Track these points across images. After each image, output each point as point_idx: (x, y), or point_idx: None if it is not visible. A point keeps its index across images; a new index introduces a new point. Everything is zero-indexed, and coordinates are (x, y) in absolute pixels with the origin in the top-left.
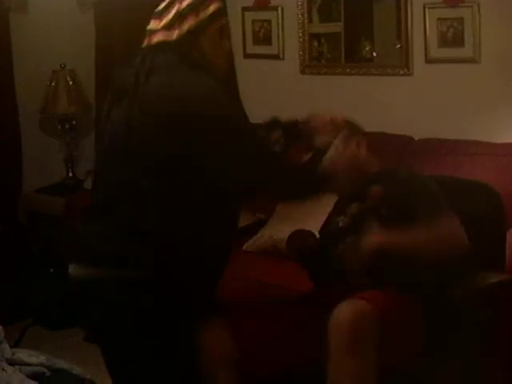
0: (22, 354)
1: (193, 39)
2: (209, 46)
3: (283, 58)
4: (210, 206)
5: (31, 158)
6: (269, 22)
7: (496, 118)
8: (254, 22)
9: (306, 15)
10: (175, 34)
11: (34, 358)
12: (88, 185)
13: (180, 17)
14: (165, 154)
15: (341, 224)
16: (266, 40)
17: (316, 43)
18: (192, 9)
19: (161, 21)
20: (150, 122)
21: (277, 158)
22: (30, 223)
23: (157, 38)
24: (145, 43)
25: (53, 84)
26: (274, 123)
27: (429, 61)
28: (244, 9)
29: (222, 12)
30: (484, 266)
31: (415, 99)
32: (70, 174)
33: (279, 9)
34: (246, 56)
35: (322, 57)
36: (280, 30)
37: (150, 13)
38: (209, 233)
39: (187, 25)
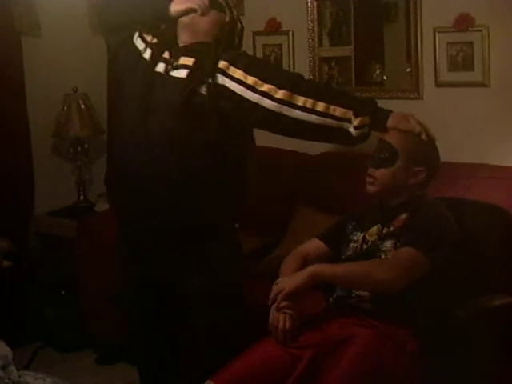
0: (29, 377)
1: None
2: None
3: None
4: None
5: (43, 181)
6: (279, 46)
7: (505, 141)
8: (264, 46)
9: (316, 39)
10: None
11: (41, 380)
12: (99, 208)
13: None
14: None
15: (356, 245)
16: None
17: (326, 67)
18: None
19: None
20: None
21: None
22: (41, 246)
23: None
24: None
25: (65, 108)
26: None
27: (438, 84)
28: (255, 33)
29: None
30: (494, 288)
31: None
32: (82, 198)
33: (290, 33)
34: None
35: (333, 80)
36: (290, 54)
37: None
38: None
39: None
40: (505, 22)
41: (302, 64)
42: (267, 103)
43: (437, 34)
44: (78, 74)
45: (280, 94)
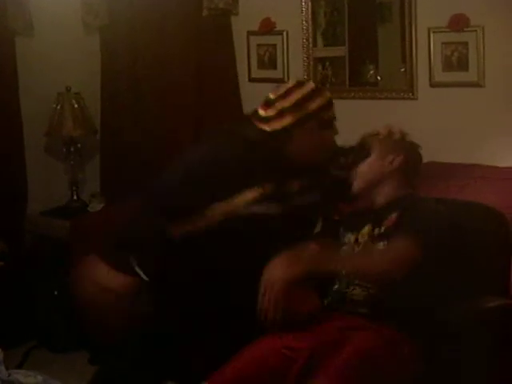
0: (19, 375)
1: (286, 134)
2: (303, 139)
3: (288, 82)
4: None
5: (36, 181)
6: (274, 46)
7: (500, 141)
8: (259, 46)
9: (310, 39)
10: (271, 127)
11: (32, 378)
12: (92, 208)
13: (280, 114)
14: None
15: (347, 247)
16: (271, 64)
17: (320, 67)
18: (292, 109)
19: (266, 111)
20: None
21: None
22: (34, 245)
23: (261, 126)
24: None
25: (58, 107)
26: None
27: (433, 85)
28: (249, 33)
29: (325, 107)
30: (489, 290)
31: (419, 123)
32: (75, 197)
33: (284, 33)
34: (251, 80)
35: (327, 81)
36: (285, 54)
37: (154, 38)
38: None
39: (284, 122)
40: (500, 22)
41: (296, 64)
42: None
43: (431, 34)
44: (71, 73)
45: None
